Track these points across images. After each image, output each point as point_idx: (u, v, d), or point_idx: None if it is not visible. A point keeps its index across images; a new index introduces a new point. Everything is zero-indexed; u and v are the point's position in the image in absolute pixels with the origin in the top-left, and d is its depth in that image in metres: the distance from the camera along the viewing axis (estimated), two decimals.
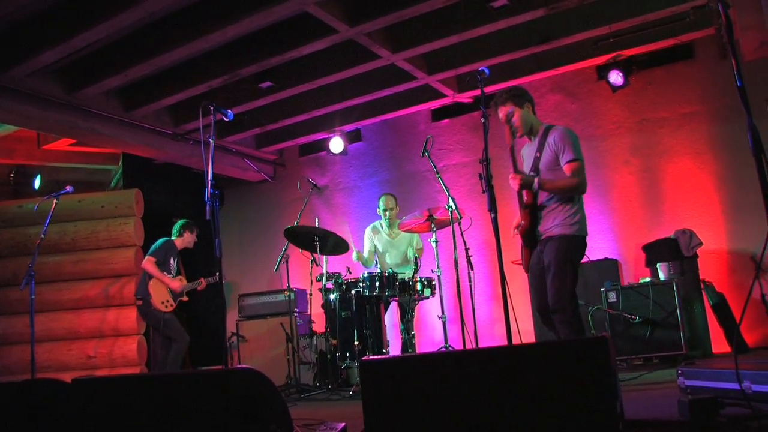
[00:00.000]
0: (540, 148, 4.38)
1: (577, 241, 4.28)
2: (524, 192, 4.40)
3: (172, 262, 7.03)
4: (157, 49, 6.39)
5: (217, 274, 4.56)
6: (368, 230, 7.28)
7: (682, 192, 7.46)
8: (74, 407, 2.66)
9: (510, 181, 4.32)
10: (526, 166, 4.49)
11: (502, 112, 4.47)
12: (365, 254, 7.19)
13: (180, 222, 7.26)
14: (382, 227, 7.20)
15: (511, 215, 7.61)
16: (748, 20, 5.99)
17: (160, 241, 7.04)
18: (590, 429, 2.31)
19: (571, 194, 4.29)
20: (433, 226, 6.19)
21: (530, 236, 4.41)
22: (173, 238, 7.17)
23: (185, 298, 7.05)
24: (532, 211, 4.37)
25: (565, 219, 4.26)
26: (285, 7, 5.70)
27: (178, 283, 6.92)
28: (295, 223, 6.95)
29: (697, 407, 2.77)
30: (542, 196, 4.35)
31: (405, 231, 6.69)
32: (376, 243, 7.19)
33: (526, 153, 4.56)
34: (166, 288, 6.84)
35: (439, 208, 6.17)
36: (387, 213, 7.05)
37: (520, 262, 4.75)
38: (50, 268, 7.75)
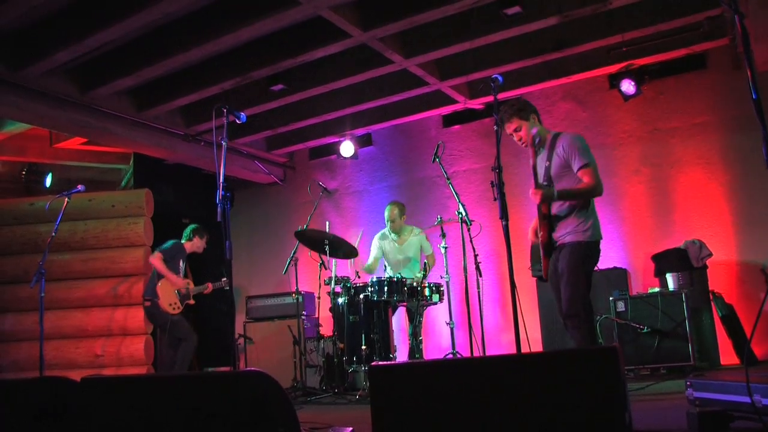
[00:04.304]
0: (549, 157, 4.42)
1: (589, 248, 4.32)
2: (544, 204, 4.44)
3: (181, 265, 7.05)
4: (170, 51, 6.42)
5: (224, 279, 4.60)
6: (376, 238, 7.31)
7: (693, 202, 7.43)
8: (83, 407, 2.67)
9: (531, 197, 4.35)
10: (537, 176, 4.51)
11: (509, 129, 4.54)
12: (370, 260, 7.23)
13: (191, 226, 7.30)
14: (389, 233, 7.21)
15: (522, 222, 7.66)
16: (761, 31, 5.98)
17: (170, 241, 7.07)
18: None
19: (589, 197, 4.34)
20: (442, 231, 6.20)
21: (549, 245, 4.44)
22: (183, 241, 7.20)
23: (191, 302, 7.07)
24: (549, 221, 4.41)
25: (578, 226, 4.30)
26: (299, 11, 5.72)
27: (183, 282, 6.94)
28: (305, 227, 6.96)
29: (707, 420, 2.75)
30: (555, 206, 4.39)
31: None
32: (384, 248, 7.20)
33: (537, 163, 4.57)
34: (173, 290, 6.86)
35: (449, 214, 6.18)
36: (389, 224, 7.07)
37: (530, 268, 4.79)
38: (60, 266, 7.79)
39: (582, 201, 4.33)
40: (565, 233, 4.34)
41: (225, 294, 5.47)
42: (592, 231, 4.32)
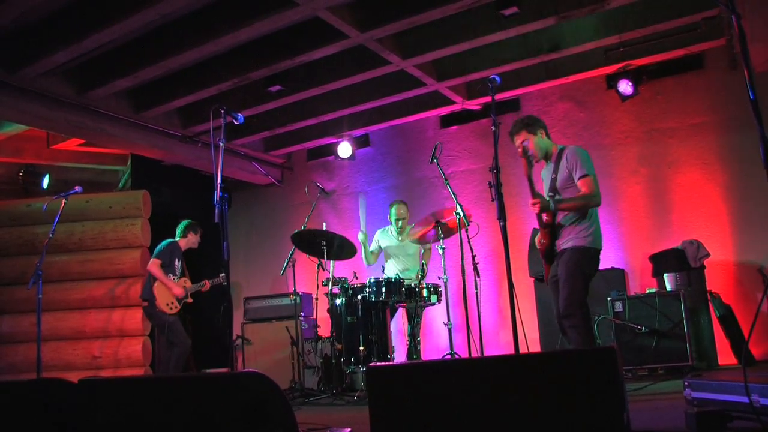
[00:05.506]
0: (556, 170, 4.60)
1: (590, 253, 4.47)
2: (543, 213, 4.57)
3: (177, 263, 7.02)
4: (167, 52, 6.41)
5: (222, 275, 4.60)
6: (378, 232, 7.29)
7: (690, 202, 7.43)
8: (81, 408, 2.66)
9: (531, 207, 4.49)
10: (545, 188, 4.69)
11: (517, 141, 4.70)
12: (371, 248, 7.20)
13: (184, 223, 7.25)
14: (391, 232, 7.20)
15: (519, 223, 7.68)
16: (757, 32, 5.98)
17: (164, 242, 7.03)
18: None
19: (587, 208, 4.48)
20: (440, 232, 6.19)
21: (550, 253, 4.60)
22: (177, 239, 7.17)
23: (190, 300, 7.05)
24: (552, 230, 4.56)
25: (580, 233, 4.46)
26: (296, 12, 5.72)
27: (182, 290, 6.90)
28: (303, 228, 6.95)
29: (705, 420, 2.76)
30: (560, 215, 4.54)
31: (413, 240, 6.69)
32: (387, 245, 7.18)
33: (545, 175, 4.76)
34: (170, 290, 6.83)
35: (447, 213, 6.16)
36: (399, 222, 7.06)
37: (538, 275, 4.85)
38: (57, 267, 7.77)
39: (585, 209, 4.47)
40: (567, 239, 4.50)
41: (224, 293, 5.39)
42: (593, 238, 4.48)
